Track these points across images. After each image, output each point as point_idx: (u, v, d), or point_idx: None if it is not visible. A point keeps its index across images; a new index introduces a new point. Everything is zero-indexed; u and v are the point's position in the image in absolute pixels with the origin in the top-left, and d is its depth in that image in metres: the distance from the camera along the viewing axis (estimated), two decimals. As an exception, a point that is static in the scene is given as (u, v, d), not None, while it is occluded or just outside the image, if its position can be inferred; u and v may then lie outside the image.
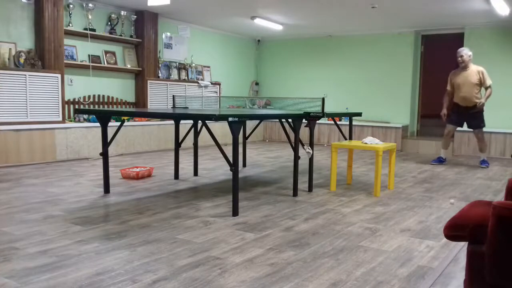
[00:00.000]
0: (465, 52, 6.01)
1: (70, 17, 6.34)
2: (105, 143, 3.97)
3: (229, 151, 3.41)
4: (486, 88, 6.01)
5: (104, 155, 3.99)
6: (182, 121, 6.36)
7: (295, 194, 4.10)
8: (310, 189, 4.32)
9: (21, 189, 4.14)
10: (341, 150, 7.27)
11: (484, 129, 7.52)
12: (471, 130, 6.32)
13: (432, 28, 8.15)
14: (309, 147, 4.14)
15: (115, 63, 7.07)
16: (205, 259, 2.43)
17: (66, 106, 6.39)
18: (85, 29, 6.55)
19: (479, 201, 1.95)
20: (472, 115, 6.13)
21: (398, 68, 8.48)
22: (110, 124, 4.01)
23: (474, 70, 6.02)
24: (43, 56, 5.88)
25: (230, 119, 3.13)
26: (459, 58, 6.03)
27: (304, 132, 8.34)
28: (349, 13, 7.12)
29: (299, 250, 2.60)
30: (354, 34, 8.88)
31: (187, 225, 3.07)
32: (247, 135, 5.89)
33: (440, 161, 6.44)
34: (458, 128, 7.77)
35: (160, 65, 7.68)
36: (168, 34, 7.98)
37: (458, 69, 6.14)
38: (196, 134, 5.02)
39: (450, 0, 6.08)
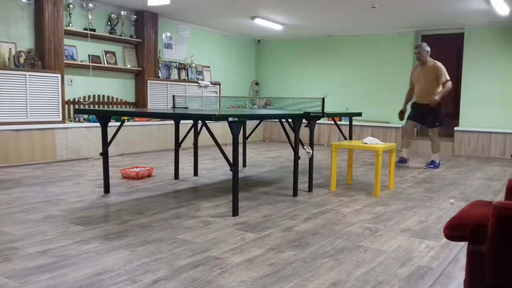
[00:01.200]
0: (423, 47, 5.78)
1: (70, 17, 6.34)
2: (105, 143, 3.97)
3: (229, 151, 3.41)
4: (443, 85, 5.70)
5: (104, 155, 3.99)
6: (182, 121, 6.36)
7: (295, 194, 4.10)
8: (310, 189, 4.32)
9: (21, 189, 4.14)
10: (341, 150, 7.27)
11: (485, 129, 7.58)
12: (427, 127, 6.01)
13: (432, 28, 8.15)
14: (309, 147, 4.14)
15: (115, 63, 7.07)
16: (205, 259, 2.43)
17: (66, 106, 6.39)
18: (85, 29, 6.55)
19: (479, 201, 1.95)
20: (428, 112, 5.80)
21: (398, 68, 8.48)
22: (110, 124, 4.00)
23: (430, 66, 5.78)
24: (43, 56, 5.88)
25: (230, 119, 3.13)
26: (417, 54, 5.85)
27: (304, 132, 8.34)
28: (349, 13, 7.12)
29: (299, 250, 2.60)
30: (354, 34, 8.88)
31: (187, 225, 3.07)
32: (247, 135, 5.89)
33: (403, 161, 6.08)
34: (456, 128, 7.81)
35: (160, 65, 7.68)
36: (168, 34, 7.98)
37: (418, 65, 5.98)
38: (196, 134, 5.02)
39: (450, 0, 6.08)
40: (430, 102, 5.68)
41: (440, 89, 5.73)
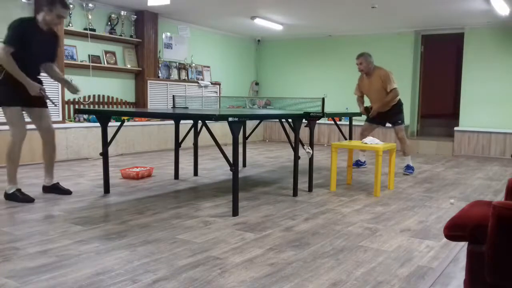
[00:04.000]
0: (363, 58, 5.32)
1: (70, 17, 6.34)
2: (105, 143, 3.97)
3: (229, 151, 3.41)
4: (389, 94, 5.29)
5: (104, 155, 3.99)
6: (182, 121, 6.36)
7: (295, 194, 4.10)
8: (310, 189, 4.32)
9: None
10: (341, 150, 7.27)
11: (485, 129, 7.58)
12: (392, 126, 5.56)
13: (432, 28, 8.15)
14: (309, 147, 4.14)
15: (115, 63, 7.07)
16: (205, 259, 2.43)
17: (66, 106, 6.39)
18: (85, 29, 6.55)
19: (479, 201, 1.95)
20: (388, 114, 5.47)
21: (398, 68, 8.47)
22: (110, 124, 4.00)
23: (377, 76, 5.34)
24: (43, 56, 5.87)
25: (230, 119, 3.13)
26: (358, 65, 5.37)
27: (304, 132, 8.34)
28: (349, 13, 7.12)
29: (299, 250, 2.60)
30: (354, 34, 8.88)
31: (187, 225, 3.07)
32: (247, 135, 5.89)
33: (358, 164, 5.87)
34: (456, 128, 7.81)
35: (160, 65, 7.68)
36: (168, 34, 7.98)
37: (363, 75, 5.51)
38: (196, 134, 5.02)
39: (450, 0, 6.08)
40: (371, 114, 5.44)
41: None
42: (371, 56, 5.39)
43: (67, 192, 3.95)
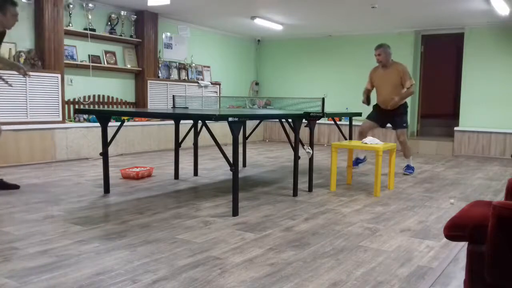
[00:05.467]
0: (383, 49, 5.27)
1: (70, 17, 6.34)
2: (105, 143, 3.97)
3: (229, 151, 3.41)
4: (408, 89, 5.25)
5: (104, 155, 3.99)
6: (182, 121, 6.36)
7: (295, 194, 4.10)
8: (310, 189, 4.32)
9: (21, 189, 4.13)
10: (341, 150, 7.26)
11: (485, 129, 7.58)
12: (394, 129, 5.53)
13: (432, 28, 8.15)
14: (309, 147, 4.14)
15: (115, 63, 7.06)
16: (205, 259, 2.43)
17: (66, 106, 6.39)
18: (85, 29, 6.55)
19: (479, 201, 1.95)
20: (394, 115, 5.40)
21: (398, 68, 8.47)
22: (110, 124, 4.00)
23: (394, 69, 5.28)
24: (43, 56, 5.88)
25: (230, 119, 3.13)
26: (377, 56, 5.31)
27: (304, 132, 8.34)
28: (349, 13, 7.12)
29: (299, 250, 2.60)
30: (354, 34, 8.88)
31: (187, 225, 3.07)
32: (247, 135, 5.88)
33: (358, 162, 5.75)
34: (456, 128, 7.80)
35: (160, 65, 7.68)
36: (168, 34, 7.97)
37: (378, 67, 5.47)
38: (196, 134, 5.02)
39: (450, 0, 6.08)
40: (391, 105, 5.30)
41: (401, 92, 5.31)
42: (390, 48, 5.35)
43: (15, 187, 3.97)
